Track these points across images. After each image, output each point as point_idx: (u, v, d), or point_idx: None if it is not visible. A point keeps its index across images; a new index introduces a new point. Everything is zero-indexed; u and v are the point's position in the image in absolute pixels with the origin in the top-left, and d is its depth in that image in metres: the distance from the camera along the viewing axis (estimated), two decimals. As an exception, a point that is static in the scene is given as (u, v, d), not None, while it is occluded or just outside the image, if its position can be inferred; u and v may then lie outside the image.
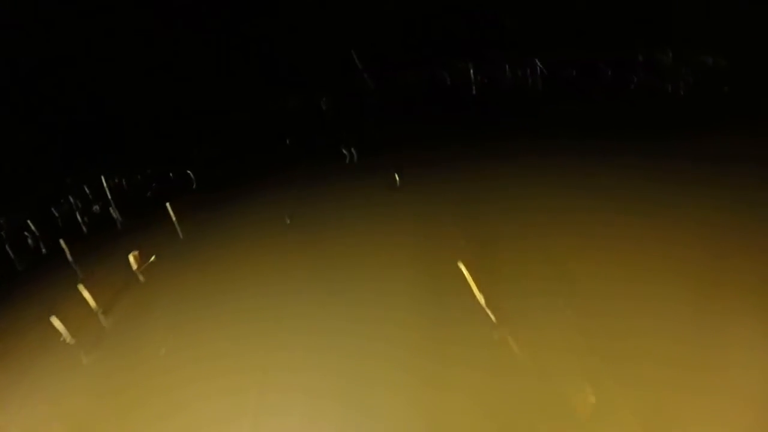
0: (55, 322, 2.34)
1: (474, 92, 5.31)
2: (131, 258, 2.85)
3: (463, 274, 2.06)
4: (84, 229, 3.98)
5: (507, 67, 5.31)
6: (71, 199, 4.37)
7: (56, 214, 4.36)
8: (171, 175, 4.60)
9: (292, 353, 1.95)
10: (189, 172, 4.43)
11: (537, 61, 5.03)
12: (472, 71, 5.65)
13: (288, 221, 2.73)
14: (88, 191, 4.67)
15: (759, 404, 1.36)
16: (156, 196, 4.26)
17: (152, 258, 2.81)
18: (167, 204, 3.39)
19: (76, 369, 2.15)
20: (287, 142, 4.85)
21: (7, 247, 3.75)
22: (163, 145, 5.41)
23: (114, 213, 4.00)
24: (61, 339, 2.35)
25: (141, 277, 2.74)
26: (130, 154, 5.26)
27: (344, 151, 4.01)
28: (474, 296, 1.95)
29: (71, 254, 3.31)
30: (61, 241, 3.34)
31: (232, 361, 1.99)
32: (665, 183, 2.53)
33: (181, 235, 3.27)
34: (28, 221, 3.95)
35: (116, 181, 4.77)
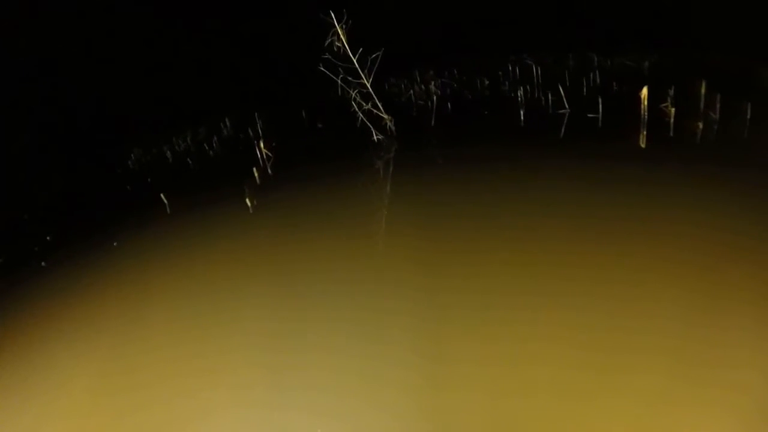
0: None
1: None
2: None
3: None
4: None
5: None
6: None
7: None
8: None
9: (297, 353, 1.98)
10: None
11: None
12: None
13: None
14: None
15: (757, 411, 1.37)
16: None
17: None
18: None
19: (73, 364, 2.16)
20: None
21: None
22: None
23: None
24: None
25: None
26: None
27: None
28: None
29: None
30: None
31: (240, 358, 2.03)
32: (659, 184, 2.55)
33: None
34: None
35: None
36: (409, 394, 1.72)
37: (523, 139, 3.73)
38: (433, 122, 4.44)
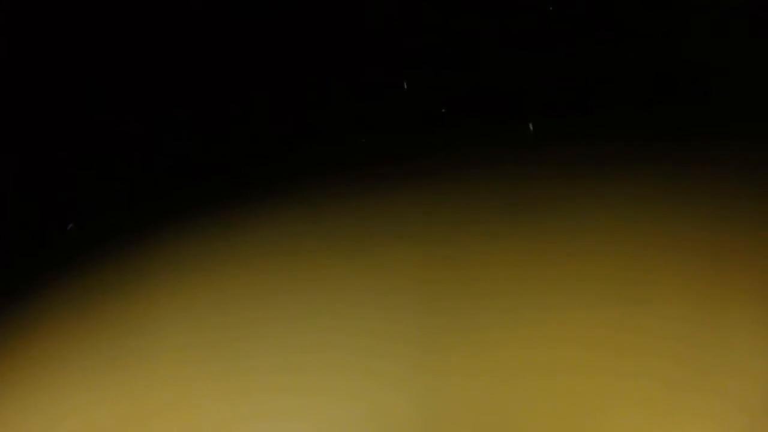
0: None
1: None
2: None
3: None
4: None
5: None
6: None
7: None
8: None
9: (288, 355, 1.97)
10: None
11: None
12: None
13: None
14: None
15: (757, 411, 1.36)
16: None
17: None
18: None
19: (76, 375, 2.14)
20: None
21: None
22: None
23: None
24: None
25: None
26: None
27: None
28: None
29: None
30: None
31: (230, 363, 2.01)
32: (667, 186, 2.53)
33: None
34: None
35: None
36: (409, 392, 1.72)
37: (524, 138, 3.71)
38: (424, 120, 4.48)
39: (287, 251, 1.16)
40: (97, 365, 1.01)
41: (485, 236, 1.07)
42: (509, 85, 1.00)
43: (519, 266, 1.13)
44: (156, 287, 1.10)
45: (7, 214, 0.78)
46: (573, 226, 1.10)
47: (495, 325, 1.12)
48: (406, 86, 0.76)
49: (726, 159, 1.01)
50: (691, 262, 1.16)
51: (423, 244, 1.07)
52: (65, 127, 0.84)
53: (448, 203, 1.15)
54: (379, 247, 1.08)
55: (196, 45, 0.78)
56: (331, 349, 1.07)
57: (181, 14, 0.74)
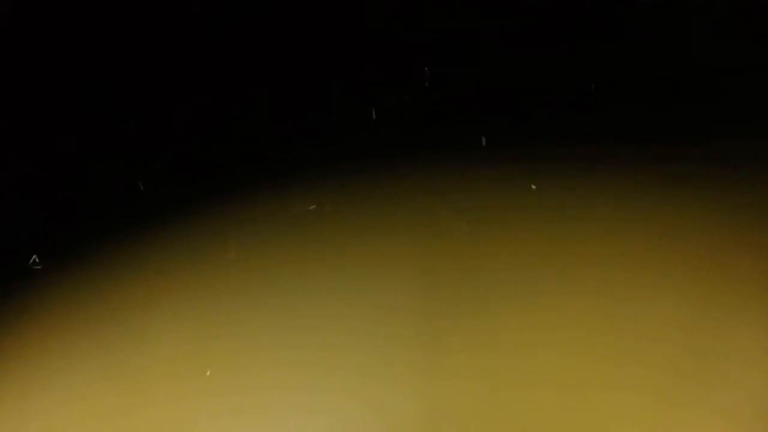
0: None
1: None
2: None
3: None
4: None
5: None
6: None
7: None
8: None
9: (288, 351, 1.95)
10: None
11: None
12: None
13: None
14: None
15: (759, 408, 1.35)
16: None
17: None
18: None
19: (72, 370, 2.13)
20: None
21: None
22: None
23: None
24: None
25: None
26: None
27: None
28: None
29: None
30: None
31: (228, 360, 1.99)
32: (664, 184, 2.52)
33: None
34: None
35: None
36: (408, 389, 1.70)
37: (523, 135, 3.68)
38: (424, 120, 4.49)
39: (287, 250, 1.14)
40: (95, 362, 0.99)
41: (487, 236, 1.05)
42: (509, 85, 0.98)
43: (521, 268, 1.11)
44: (155, 285, 1.08)
45: (7, 214, 0.77)
46: (575, 226, 1.08)
47: (497, 327, 1.09)
48: (427, 83, 0.75)
49: (727, 159, 0.99)
50: (693, 262, 1.13)
51: (425, 244, 1.05)
52: (66, 127, 0.83)
53: (449, 202, 1.13)
54: (381, 244, 1.06)
55: (197, 45, 0.78)
56: (331, 349, 1.06)
57: (182, 15, 0.74)
